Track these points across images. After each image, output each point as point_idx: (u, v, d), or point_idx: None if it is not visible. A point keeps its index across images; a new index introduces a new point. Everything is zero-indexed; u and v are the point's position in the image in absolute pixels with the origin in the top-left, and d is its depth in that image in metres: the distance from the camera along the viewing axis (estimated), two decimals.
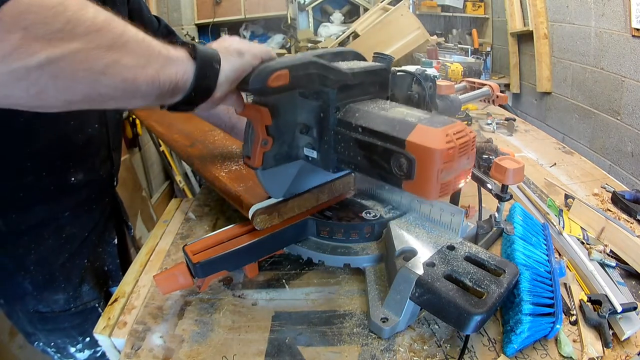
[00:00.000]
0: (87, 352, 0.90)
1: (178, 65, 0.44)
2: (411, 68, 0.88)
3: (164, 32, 0.92)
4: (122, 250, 0.99)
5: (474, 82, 1.15)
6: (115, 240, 0.95)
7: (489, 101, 1.10)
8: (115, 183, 0.95)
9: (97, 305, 0.88)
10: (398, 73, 0.82)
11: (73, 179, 0.78)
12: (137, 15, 0.87)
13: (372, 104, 0.61)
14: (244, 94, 0.56)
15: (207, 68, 0.46)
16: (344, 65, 0.60)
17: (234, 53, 0.48)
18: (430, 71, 0.87)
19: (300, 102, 0.61)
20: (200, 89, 0.46)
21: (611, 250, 0.79)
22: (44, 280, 0.80)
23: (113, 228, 0.96)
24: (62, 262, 0.81)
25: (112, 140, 0.87)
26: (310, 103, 0.60)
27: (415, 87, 0.85)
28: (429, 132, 0.50)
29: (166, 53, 0.43)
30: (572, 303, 0.67)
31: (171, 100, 0.46)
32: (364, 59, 0.66)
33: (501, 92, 1.11)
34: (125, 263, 0.97)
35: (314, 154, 0.63)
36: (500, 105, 1.17)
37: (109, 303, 0.74)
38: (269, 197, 0.70)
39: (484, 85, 1.09)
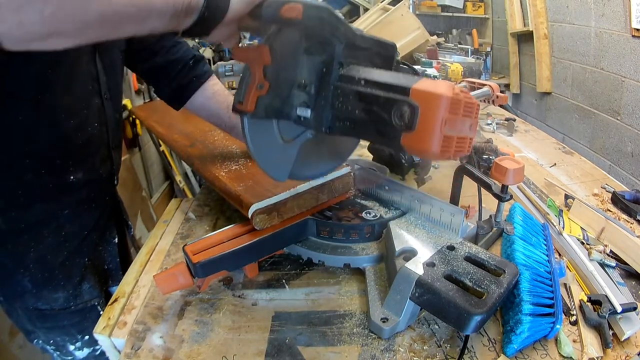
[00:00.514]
0: (86, 350, 0.90)
1: None
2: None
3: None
4: (122, 250, 0.99)
5: (474, 83, 1.15)
6: (116, 240, 0.95)
7: (489, 101, 1.10)
8: (115, 182, 0.95)
9: (96, 304, 0.88)
10: (401, 65, 0.81)
11: (73, 177, 0.78)
12: None
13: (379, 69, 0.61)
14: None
15: None
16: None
17: None
18: (431, 71, 0.87)
19: (303, 60, 0.60)
20: (213, 8, 0.47)
21: (611, 251, 0.79)
22: (43, 279, 0.80)
23: (114, 227, 0.96)
24: (61, 260, 0.81)
25: (112, 140, 0.87)
26: (314, 59, 0.59)
27: None
28: (435, 82, 0.49)
29: None
30: (572, 303, 0.67)
31: (186, 21, 0.46)
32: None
33: (501, 92, 1.11)
34: (125, 262, 0.97)
35: (307, 113, 0.61)
36: (500, 106, 1.17)
37: (109, 303, 0.74)
38: (269, 197, 0.70)
39: (484, 85, 1.10)
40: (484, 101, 1.09)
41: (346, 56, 0.58)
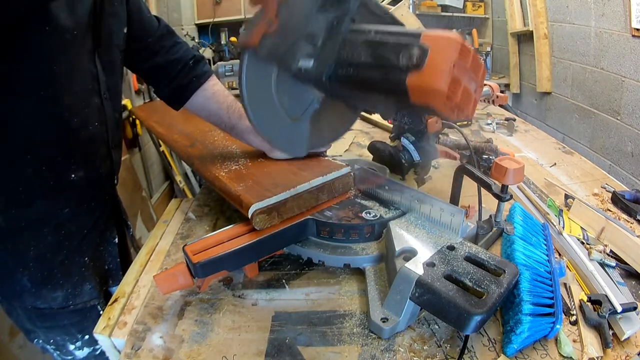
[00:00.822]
0: (86, 350, 0.90)
1: None
2: None
3: (163, 31, 0.92)
4: (122, 250, 0.99)
5: None
6: (116, 240, 0.95)
7: (489, 101, 1.10)
8: (115, 182, 0.95)
9: (96, 304, 0.88)
10: None
11: (73, 175, 0.78)
12: (137, 16, 0.87)
13: None
14: None
15: None
16: None
17: None
18: None
19: (316, 15, 0.61)
20: None
21: (611, 250, 0.79)
22: (42, 277, 0.80)
23: (114, 227, 0.96)
24: (61, 259, 0.81)
25: (111, 139, 0.87)
26: (326, 15, 0.60)
27: None
28: (446, 32, 0.51)
29: None
30: (572, 303, 0.67)
31: None
32: None
33: (501, 92, 1.11)
34: (125, 263, 0.97)
35: (309, 64, 0.62)
36: (500, 106, 1.17)
37: (109, 303, 0.74)
38: (269, 197, 0.70)
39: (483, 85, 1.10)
40: (484, 101, 1.09)
41: (360, 14, 0.60)
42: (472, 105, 0.53)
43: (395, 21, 0.65)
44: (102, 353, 0.74)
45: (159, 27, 0.91)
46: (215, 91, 0.93)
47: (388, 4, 2.62)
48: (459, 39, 0.49)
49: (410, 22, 2.30)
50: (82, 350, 0.90)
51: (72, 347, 0.89)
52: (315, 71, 0.61)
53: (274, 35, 0.57)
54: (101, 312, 0.83)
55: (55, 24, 0.65)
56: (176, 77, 0.90)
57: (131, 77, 2.44)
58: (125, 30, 0.84)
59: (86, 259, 0.86)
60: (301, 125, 0.67)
